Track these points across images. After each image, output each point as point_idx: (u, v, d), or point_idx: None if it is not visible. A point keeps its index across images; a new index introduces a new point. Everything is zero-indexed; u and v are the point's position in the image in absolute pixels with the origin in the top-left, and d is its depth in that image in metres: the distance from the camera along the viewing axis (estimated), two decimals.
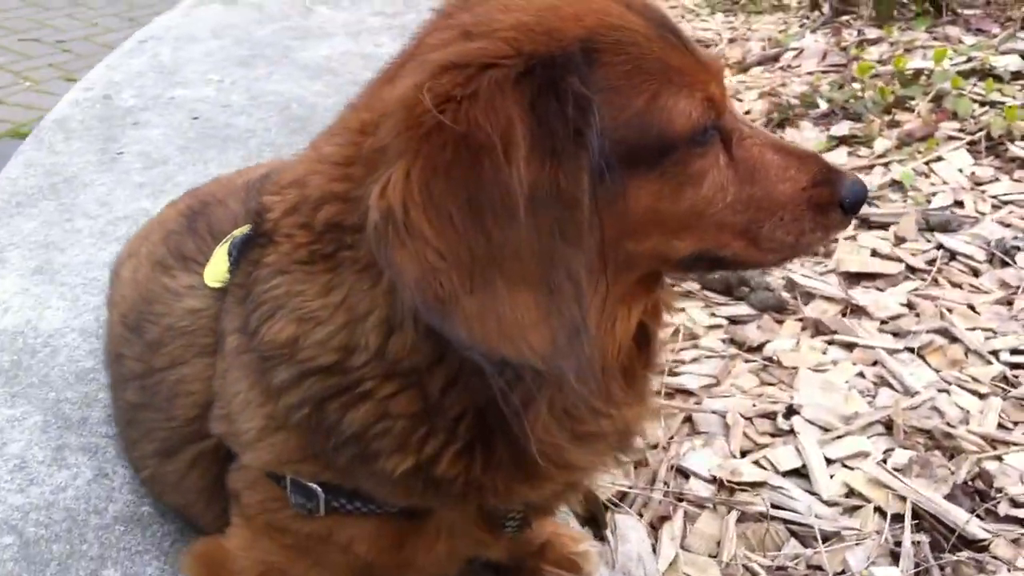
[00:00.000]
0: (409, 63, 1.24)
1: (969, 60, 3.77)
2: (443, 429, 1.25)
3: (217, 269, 1.47)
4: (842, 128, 3.42)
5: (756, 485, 2.01)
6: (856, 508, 1.96)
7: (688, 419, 2.20)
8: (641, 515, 1.97)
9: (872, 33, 4.20)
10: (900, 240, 2.81)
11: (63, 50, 5.62)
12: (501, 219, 1.06)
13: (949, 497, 1.94)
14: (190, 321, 1.51)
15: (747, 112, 3.63)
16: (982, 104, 3.47)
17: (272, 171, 1.61)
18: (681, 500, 1.99)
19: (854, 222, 2.89)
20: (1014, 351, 2.34)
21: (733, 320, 2.54)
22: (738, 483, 2.01)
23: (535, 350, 1.08)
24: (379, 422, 1.25)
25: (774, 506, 1.95)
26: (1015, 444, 2.08)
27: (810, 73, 3.85)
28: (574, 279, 1.10)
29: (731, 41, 4.34)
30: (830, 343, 2.42)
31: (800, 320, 2.51)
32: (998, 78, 3.59)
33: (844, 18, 4.39)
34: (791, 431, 2.14)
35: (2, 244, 2.68)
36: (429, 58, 1.17)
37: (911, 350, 2.36)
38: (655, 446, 2.11)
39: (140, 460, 1.68)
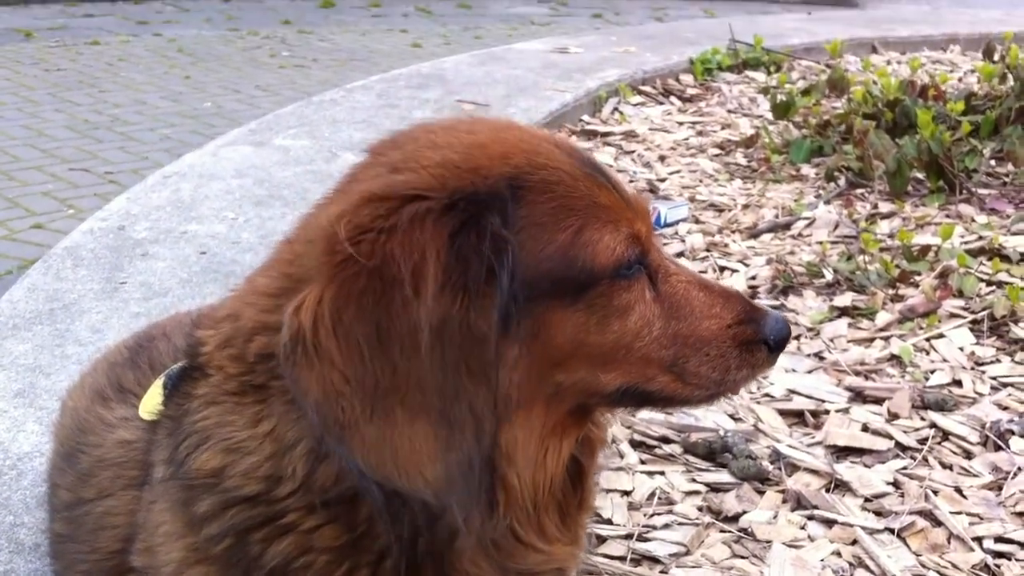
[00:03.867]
0: (337, 197, 1.29)
1: (980, 239, 3.77)
2: (367, 564, 1.24)
3: (151, 401, 1.47)
4: (845, 299, 3.40)
5: None
6: None
7: None
8: None
9: (885, 207, 4.22)
10: (893, 416, 2.75)
11: (110, 181, 5.77)
12: (406, 351, 1.09)
13: None
14: (120, 453, 1.51)
15: (752, 278, 3.63)
16: (988, 283, 3.45)
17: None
18: None
19: (848, 395, 2.86)
20: (998, 539, 2.26)
21: (712, 487, 2.48)
22: None
23: (428, 483, 1.10)
24: (302, 556, 1.23)
25: None
26: None
27: (819, 243, 3.86)
28: (476, 413, 1.12)
29: (745, 207, 4.37)
30: (810, 518, 2.35)
31: (782, 492, 2.45)
32: (1006, 258, 3.58)
33: (859, 191, 4.42)
34: None
35: None
36: (354, 188, 1.23)
37: (892, 531, 2.29)
38: None
39: None
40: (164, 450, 1.38)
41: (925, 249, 3.66)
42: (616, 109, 5.88)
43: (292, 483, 1.22)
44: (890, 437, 2.65)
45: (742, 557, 2.23)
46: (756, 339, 1.33)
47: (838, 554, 2.23)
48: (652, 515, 2.35)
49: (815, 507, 2.37)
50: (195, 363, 1.36)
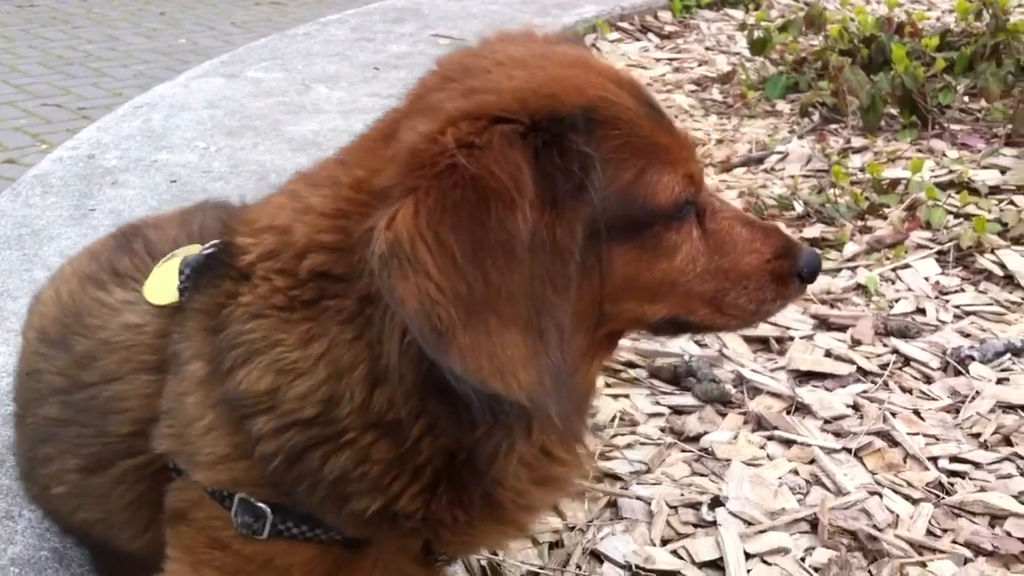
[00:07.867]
0: (410, 119, 1.29)
1: (950, 172, 3.79)
2: (410, 471, 1.29)
3: (164, 288, 1.47)
4: (814, 231, 3.42)
5: (669, 574, 1.97)
6: None
7: (612, 503, 2.17)
8: None
9: (858, 142, 4.23)
10: (856, 343, 2.79)
11: (83, 117, 5.70)
12: (499, 262, 1.13)
13: None
14: (128, 336, 1.49)
15: None
16: (956, 216, 3.47)
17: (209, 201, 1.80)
18: None
19: (813, 322, 2.89)
20: (953, 459, 2.31)
21: (676, 410, 2.51)
22: (650, 570, 1.96)
23: (523, 387, 1.14)
24: (358, 467, 1.28)
25: None
26: (941, 552, 2.03)
27: (792, 176, 3.88)
28: (559, 326, 1.17)
29: (719, 142, 4.38)
30: (769, 439, 2.39)
31: (743, 414, 2.49)
32: (975, 191, 3.60)
33: (833, 126, 4.43)
34: (714, 523, 2.10)
35: None
36: (443, 107, 1.24)
37: (849, 451, 2.33)
38: (573, 528, 2.08)
39: (54, 476, 1.61)
40: (200, 346, 1.38)
41: (895, 182, 3.68)
42: (593, 45, 5.84)
43: (350, 405, 1.26)
44: (852, 362, 2.68)
45: (701, 475, 2.27)
46: (791, 272, 1.41)
47: (796, 472, 2.27)
48: (615, 436, 2.39)
49: (775, 428, 2.41)
50: (231, 263, 1.37)
